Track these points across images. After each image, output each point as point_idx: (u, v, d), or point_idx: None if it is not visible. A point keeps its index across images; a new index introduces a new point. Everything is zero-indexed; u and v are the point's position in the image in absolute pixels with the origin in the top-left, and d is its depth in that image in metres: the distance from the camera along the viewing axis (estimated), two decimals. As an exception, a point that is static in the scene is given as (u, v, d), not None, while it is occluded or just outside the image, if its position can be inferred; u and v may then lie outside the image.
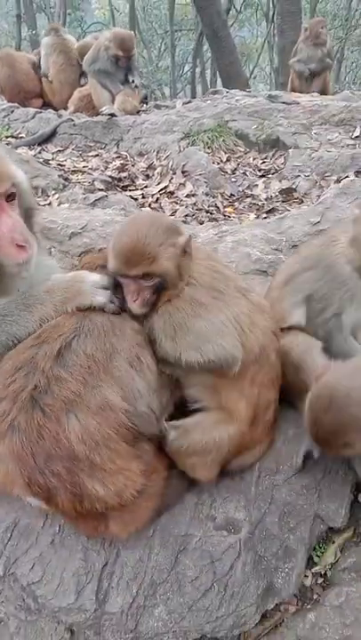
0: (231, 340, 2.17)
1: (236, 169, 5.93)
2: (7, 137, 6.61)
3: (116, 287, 2.21)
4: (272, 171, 5.90)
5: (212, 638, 2.23)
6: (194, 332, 2.16)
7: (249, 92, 8.60)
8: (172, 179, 5.58)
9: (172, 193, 5.39)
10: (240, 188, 5.58)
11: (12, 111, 7.09)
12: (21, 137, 6.67)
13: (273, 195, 5.38)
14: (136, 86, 7.13)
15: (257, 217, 4.94)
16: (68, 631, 2.25)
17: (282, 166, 5.88)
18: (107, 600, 2.16)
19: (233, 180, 5.73)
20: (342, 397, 1.94)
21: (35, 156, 5.97)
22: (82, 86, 7.87)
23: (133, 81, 7.11)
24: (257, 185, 5.60)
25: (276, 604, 2.29)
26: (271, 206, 5.15)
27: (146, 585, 2.18)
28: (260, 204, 5.27)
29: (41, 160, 5.83)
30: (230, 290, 2.30)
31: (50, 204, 4.83)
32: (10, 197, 2.08)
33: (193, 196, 5.28)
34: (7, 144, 6.13)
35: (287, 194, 5.33)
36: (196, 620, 2.18)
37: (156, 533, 2.23)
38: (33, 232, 2.21)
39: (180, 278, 2.18)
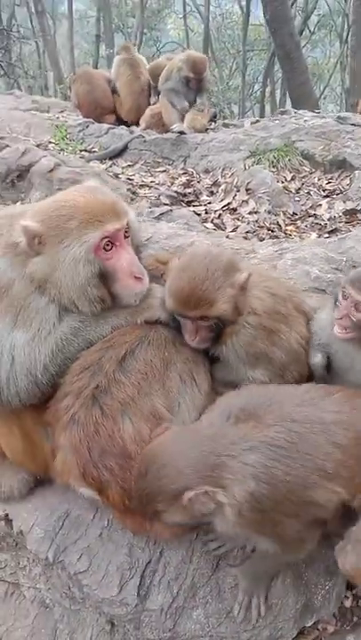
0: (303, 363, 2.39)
1: (300, 188, 5.96)
2: (81, 151, 6.94)
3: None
4: (337, 191, 5.88)
5: (249, 648, 2.26)
6: (276, 361, 2.30)
7: (318, 112, 8.61)
8: (235, 196, 5.67)
9: (234, 209, 5.48)
10: (303, 208, 5.60)
11: (87, 126, 7.44)
12: (94, 151, 6.97)
13: (336, 215, 5.37)
14: (201, 109, 7.33)
15: (319, 236, 4.94)
16: (108, 623, 2.36)
17: (347, 187, 5.84)
18: (148, 597, 2.24)
19: (296, 199, 5.76)
20: (158, 468, 1.85)
21: (106, 169, 6.24)
22: (153, 104, 8.15)
23: (202, 103, 7.33)
24: (320, 205, 5.60)
25: (315, 623, 2.30)
26: (334, 226, 5.14)
27: (186, 587, 2.25)
28: (322, 223, 5.27)
29: (111, 174, 6.09)
30: (290, 310, 2.41)
31: (117, 215, 5.04)
32: (126, 233, 2.28)
33: (255, 213, 5.35)
34: (80, 157, 6.44)
35: (351, 215, 5.30)
36: (233, 628, 2.21)
37: (200, 537, 2.29)
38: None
39: (240, 313, 2.25)
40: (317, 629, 2.29)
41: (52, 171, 5.32)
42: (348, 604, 2.32)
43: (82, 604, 2.39)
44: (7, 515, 2.49)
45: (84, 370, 2.14)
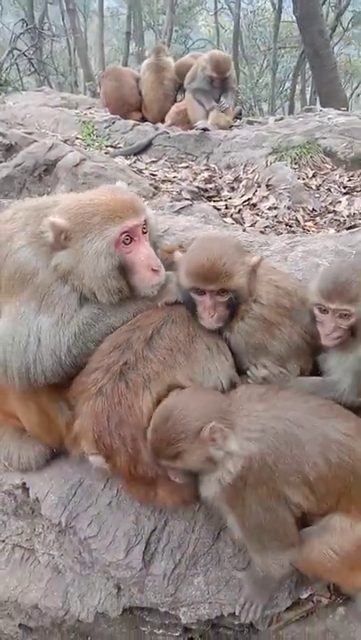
0: (305, 357, 2.47)
1: (320, 185, 6.01)
2: (107, 146, 7.12)
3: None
4: (358, 188, 5.92)
5: (246, 615, 2.39)
6: (274, 354, 2.40)
7: (344, 110, 8.61)
8: (256, 191, 5.77)
9: (254, 205, 5.58)
10: (323, 204, 5.66)
11: (114, 122, 7.61)
12: (120, 147, 7.14)
13: (356, 212, 5.41)
14: (225, 108, 7.44)
15: (337, 232, 5.01)
16: (115, 587, 2.52)
17: (368, 184, 5.89)
18: (152, 562, 2.40)
19: (317, 195, 5.82)
20: (179, 411, 2.07)
21: (130, 165, 6.40)
22: (178, 102, 8.29)
23: (226, 101, 7.44)
24: (340, 201, 5.64)
25: (309, 595, 2.42)
26: (353, 223, 5.18)
27: (188, 555, 2.40)
28: (341, 220, 5.32)
29: (135, 169, 6.24)
30: (295, 304, 2.49)
31: (139, 209, 5.20)
32: (144, 228, 2.44)
33: (275, 208, 5.43)
34: (106, 153, 6.62)
35: (370, 212, 5.35)
36: (232, 595, 2.36)
37: (202, 508, 2.43)
38: None
39: (250, 294, 2.38)
40: (312, 601, 2.41)
41: (77, 165, 5.51)
42: (342, 578, 2.42)
43: (91, 569, 2.56)
44: (25, 483, 2.68)
45: (114, 349, 2.32)
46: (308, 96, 23.40)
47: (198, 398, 2.16)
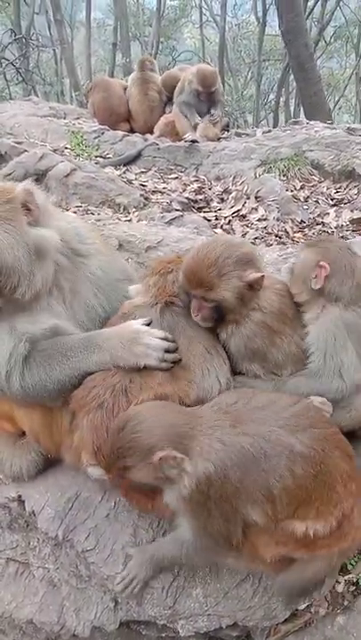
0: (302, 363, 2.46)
1: (308, 197, 6.10)
2: (96, 157, 7.15)
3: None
4: (345, 200, 6.02)
5: (244, 626, 2.39)
6: (272, 361, 2.42)
7: (330, 123, 8.76)
8: (245, 203, 5.84)
9: (244, 216, 5.64)
10: (311, 216, 5.75)
11: (103, 133, 7.65)
12: (109, 157, 7.17)
13: (344, 224, 5.51)
14: (215, 121, 7.55)
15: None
16: (112, 601, 2.49)
17: (355, 197, 5.98)
18: (150, 575, 2.38)
19: (305, 207, 5.91)
20: (134, 425, 2.02)
21: (120, 175, 6.44)
22: (167, 113, 8.37)
23: (213, 114, 7.55)
24: (328, 213, 5.74)
25: (308, 606, 2.42)
26: (341, 234, 5.28)
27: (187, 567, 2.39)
28: (329, 231, 5.41)
29: (125, 180, 6.28)
30: (298, 313, 2.53)
31: (130, 220, 5.23)
32: None
33: (264, 220, 5.50)
34: (95, 163, 6.64)
35: (358, 223, 5.43)
36: (230, 607, 2.35)
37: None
38: None
39: (244, 307, 2.38)
40: (310, 612, 2.42)
41: (68, 175, 5.53)
42: (339, 588, 2.44)
43: (88, 583, 2.54)
44: (20, 496, 2.65)
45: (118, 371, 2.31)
46: (292, 108, 23.76)
47: (159, 415, 2.08)
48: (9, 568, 2.74)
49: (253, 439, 2.04)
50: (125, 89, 8.95)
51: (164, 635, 2.49)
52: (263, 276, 2.38)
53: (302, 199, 6.01)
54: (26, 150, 6.13)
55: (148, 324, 2.41)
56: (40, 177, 5.60)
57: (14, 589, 2.71)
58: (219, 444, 2.03)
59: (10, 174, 5.57)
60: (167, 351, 2.33)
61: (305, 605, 2.41)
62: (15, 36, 14.26)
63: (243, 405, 2.15)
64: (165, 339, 2.35)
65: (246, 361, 2.44)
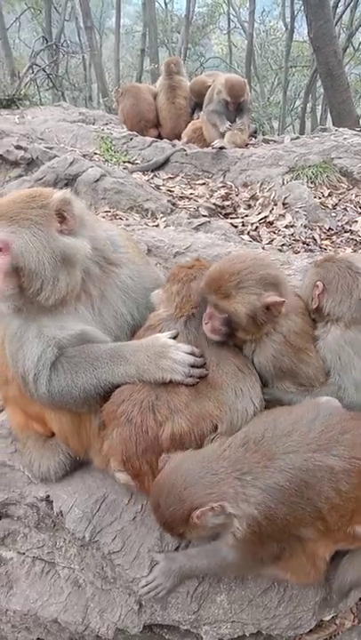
0: None
1: (337, 204, 6.07)
2: (125, 162, 7.23)
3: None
4: (374, 208, 5.98)
5: (268, 635, 2.38)
6: (303, 376, 2.42)
7: (359, 130, 8.69)
8: (272, 209, 5.84)
9: (271, 223, 5.64)
10: (339, 223, 5.72)
11: (131, 139, 7.73)
12: (137, 163, 7.25)
13: (372, 232, 5.47)
14: (241, 129, 7.57)
15: (354, 251, 5.06)
16: (137, 603, 2.51)
17: (384, 205, 5.94)
18: (175, 579, 2.39)
19: (333, 214, 5.88)
20: (164, 498, 2.06)
21: (148, 181, 6.49)
22: (195, 119, 8.42)
23: (242, 123, 7.58)
24: (357, 221, 5.71)
25: (332, 617, 2.41)
26: (369, 243, 5.24)
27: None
28: (358, 239, 5.38)
29: (153, 185, 6.34)
30: None
31: (157, 225, 5.27)
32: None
33: (291, 227, 5.49)
34: (124, 169, 6.72)
35: (387, 232, 5.40)
36: (255, 615, 2.35)
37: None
38: None
39: (256, 328, 2.34)
40: (335, 624, 2.41)
41: (97, 181, 5.61)
42: (366, 601, 2.42)
43: (113, 584, 2.56)
44: (48, 496, 2.69)
45: (145, 385, 2.33)
46: (318, 114, 23.64)
47: (182, 477, 2.07)
48: (35, 567, 2.78)
49: (291, 474, 2.04)
50: (154, 95, 9.02)
51: (186, 640, 2.50)
52: (284, 302, 2.31)
53: (330, 206, 5.98)
54: (56, 155, 6.24)
55: (175, 337, 2.41)
56: (70, 182, 5.69)
57: (40, 588, 2.74)
58: (255, 489, 2.03)
59: (41, 179, 5.67)
60: (193, 366, 2.33)
61: (330, 617, 2.40)
62: (47, 42, 14.52)
63: (270, 438, 2.12)
64: (192, 353, 2.35)
65: (277, 379, 2.43)
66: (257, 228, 5.55)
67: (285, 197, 5.93)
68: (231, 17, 27.16)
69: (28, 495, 2.75)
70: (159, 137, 8.46)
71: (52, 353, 2.35)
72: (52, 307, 2.37)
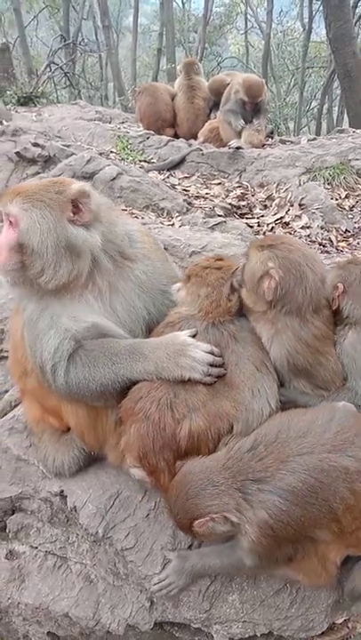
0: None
1: (354, 206, 6.04)
2: (141, 161, 7.24)
3: None
4: (391, 210, 5.93)
5: (279, 636, 2.38)
6: (319, 378, 2.43)
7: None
8: (288, 210, 5.81)
9: (287, 224, 5.62)
10: (356, 225, 5.69)
11: (148, 138, 7.74)
12: (153, 162, 7.26)
13: (389, 234, 5.43)
14: (258, 130, 7.55)
15: (370, 254, 5.02)
16: (148, 600, 2.52)
17: None
18: (188, 577, 2.40)
19: (350, 216, 5.85)
20: (173, 504, 2.13)
21: (163, 180, 6.50)
22: (211, 119, 8.41)
23: (258, 123, 7.56)
24: (373, 223, 5.67)
25: (345, 620, 2.39)
26: (386, 245, 5.20)
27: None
28: (374, 241, 5.34)
29: (168, 184, 6.34)
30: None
31: (173, 224, 5.27)
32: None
33: (308, 228, 5.47)
34: (140, 167, 6.73)
35: None
36: (267, 615, 2.35)
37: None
38: None
39: (256, 299, 2.41)
40: (347, 627, 2.39)
41: (114, 179, 5.62)
42: (378, 605, 2.40)
43: (125, 581, 2.57)
44: (62, 491, 2.71)
45: (163, 383, 2.33)
46: (335, 116, 23.51)
47: (185, 488, 2.10)
48: (47, 561, 2.80)
49: (305, 475, 2.04)
50: (173, 96, 9.03)
51: (197, 639, 2.50)
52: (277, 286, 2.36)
53: (347, 208, 5.95)
54: (74, 153, 6.26)
55: (194, 336, 2.42)
56: (87, 179, 5.70)
57: (51, 582, 2.76)
58: (263, 494, 2.03)
59: (58, 176, 5.69)
60: (212, 365, 2.33)
61: (343, 619, 2.38)
62: (64, 41, 14.59)
63: (284, 439, 2.12)
64: (211, 352, 2.35)
65: (293, 376, 2.43)
66: (273, 228, 5.53)
67: (302, 198, 5.90)
68: (248, 17, 27.12)
69: (42, 490, 2.77)
70: (175, 136, 8.47)
71: (70, 345, 2.36)
72: (57, 292, 2.39)
